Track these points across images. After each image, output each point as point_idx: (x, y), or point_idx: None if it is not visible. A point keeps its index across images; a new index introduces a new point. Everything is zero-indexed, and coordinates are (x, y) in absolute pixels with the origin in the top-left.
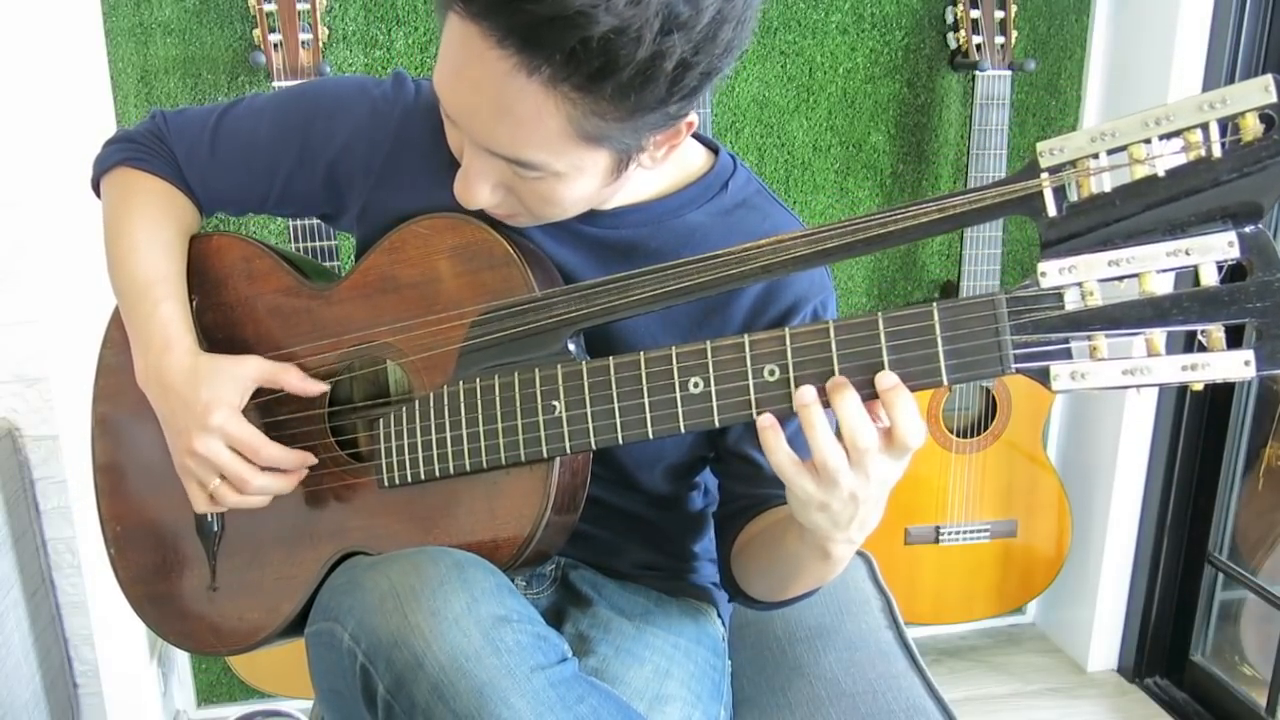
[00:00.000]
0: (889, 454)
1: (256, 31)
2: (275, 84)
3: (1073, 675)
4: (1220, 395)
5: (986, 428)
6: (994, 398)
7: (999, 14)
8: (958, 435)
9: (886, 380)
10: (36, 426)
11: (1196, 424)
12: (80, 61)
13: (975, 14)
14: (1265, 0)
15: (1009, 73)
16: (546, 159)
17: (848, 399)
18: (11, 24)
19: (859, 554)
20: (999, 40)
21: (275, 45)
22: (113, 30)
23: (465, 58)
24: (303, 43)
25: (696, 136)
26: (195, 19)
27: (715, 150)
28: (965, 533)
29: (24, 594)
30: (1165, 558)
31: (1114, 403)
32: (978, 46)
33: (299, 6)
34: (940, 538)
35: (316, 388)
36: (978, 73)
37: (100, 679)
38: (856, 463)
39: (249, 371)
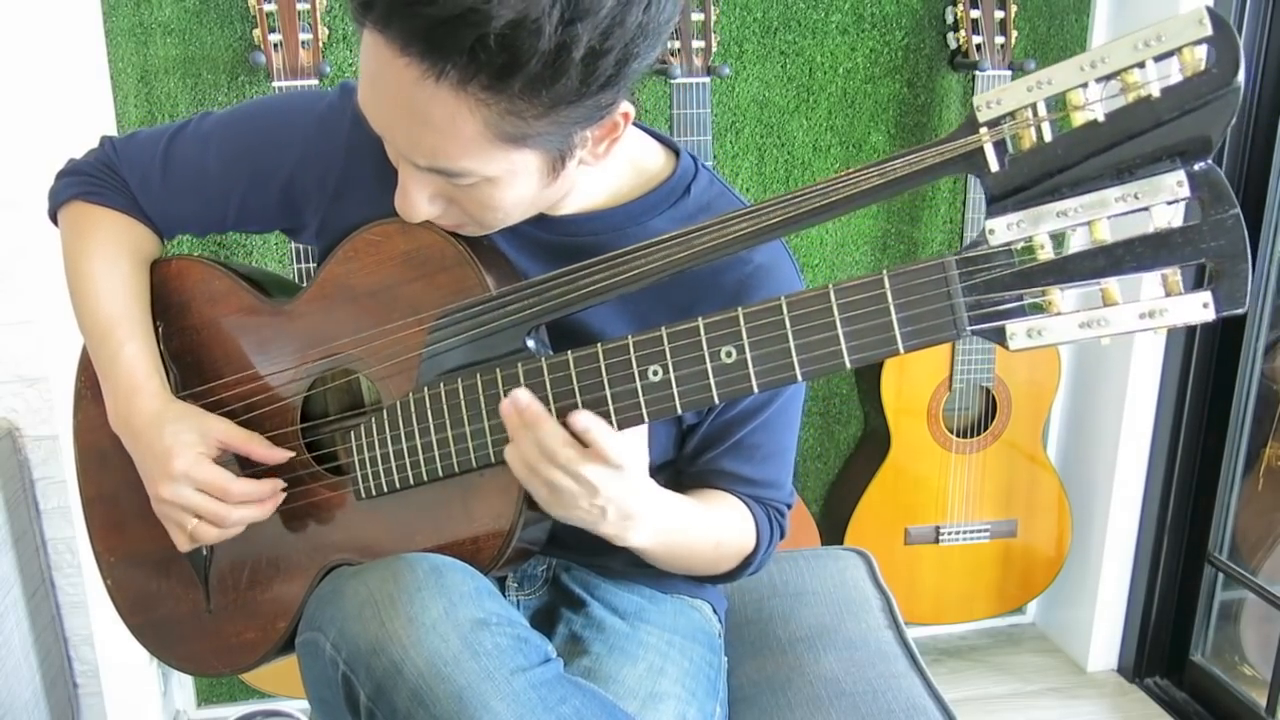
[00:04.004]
0: (597, 465)
1: (256, 31)
2: (275, 84)
3: (1073, 675)
4: (1220, 395)
5: (986, 428)
6: (994, 397)
7: (999, 14)
8: (958, 435)
9: (578, 424)
10: (36, 426)
11: (1196, 424)
12: (80, 61)
13: (975, 14)
14: (1265, 0)
15: (1009, 73)
16: (472, 165)
17: (542, 426)
18: (11, 24)
19: (859, 553)
20: (999, 40)
21: (275, 45)
22: (113, 30)
23: (378, 69)
24: (303, 43)
25: (657, 137)
26: (195, 19)
27: (677, 152)
28: (965, 533)
29: (24, 594)
30: (1165, 558)
31: (1114, 402)
32: (978, 46)
33: (299, 6)
34: (940, 538)
35: (282, 455)
36: (978, 73)
37: (100, 679)
38: (572, 476)
39: (215, 428)
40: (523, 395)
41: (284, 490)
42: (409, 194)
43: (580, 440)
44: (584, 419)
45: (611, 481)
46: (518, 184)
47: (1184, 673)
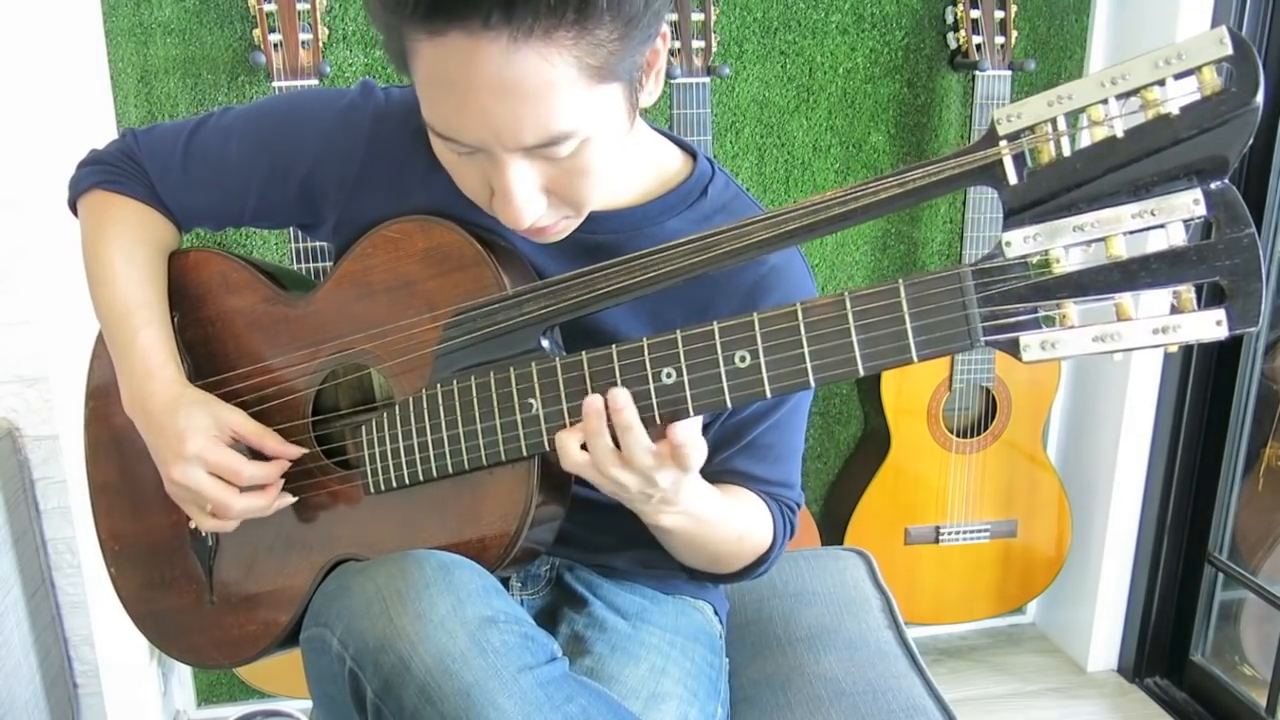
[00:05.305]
0: (673, 471)
1: (256, 31)
2: (275, 84)
3: (1073, 675)
4: (1220, 395)
5: (986, 428)
6: (994, 397)
7: (999, 14)
8: (958, 435)
9: (677, 437)
10: (36, 426)
11: (1196, 424)
12: (80, 61)
13: (975, 14)
14: (1265, 0)
15: (1009, 73)
16: (576, 121)
17: (632, 432)
18: (12, 24)
19: (859, 554)
20: (999, 40)
21: (275, 45)
22: (113, 30)
23: (455, 70)
24: (303, 43)
25: (675, 141)
26: (195, 19)
27: (694, 155)
28: (965, 533)
29: (24, 594)
30: (1165, 558)
31: (1114, 402)
32: (978, 46)
33: (299, 6)
34: (940, 538)
35: (294, 451)
36: (978, 73)
37: (100, 679)
38: (645, 479)
39: (230, 417)
40: (622, 395)
41: (290, 483)
42: (518, 189)
43: (672, 452)
44: (684, 431)
45: (674, 481)
46: (610, 133)
47: (1184, 673)
